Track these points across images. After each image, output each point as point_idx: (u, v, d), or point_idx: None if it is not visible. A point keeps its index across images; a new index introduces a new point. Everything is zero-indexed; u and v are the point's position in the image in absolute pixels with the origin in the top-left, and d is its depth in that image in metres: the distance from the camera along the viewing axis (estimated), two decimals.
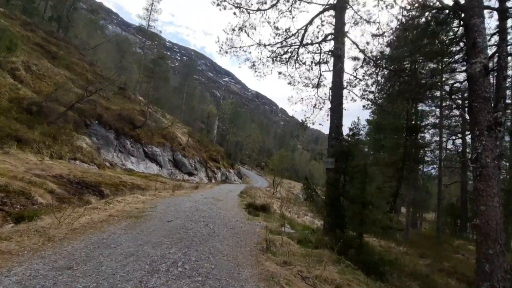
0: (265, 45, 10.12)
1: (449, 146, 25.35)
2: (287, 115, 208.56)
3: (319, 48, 9.30)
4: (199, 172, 33.37)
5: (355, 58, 9.44)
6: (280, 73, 11.16)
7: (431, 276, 6.61)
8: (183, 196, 10.26)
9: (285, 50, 10.46)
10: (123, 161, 23.30)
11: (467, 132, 24.49)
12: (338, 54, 7.74)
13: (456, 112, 25.27)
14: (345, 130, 8.17)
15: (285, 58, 10.71)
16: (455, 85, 9.32)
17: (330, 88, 7.55)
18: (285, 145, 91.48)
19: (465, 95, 13.53)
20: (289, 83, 11.13)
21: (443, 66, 7.71)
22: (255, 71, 10.36)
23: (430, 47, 6.77)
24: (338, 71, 7.57)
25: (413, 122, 14.57)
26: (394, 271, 5.88)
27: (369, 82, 9.52)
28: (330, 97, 7.33)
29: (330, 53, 8.90)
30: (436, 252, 11.28)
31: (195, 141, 40.14)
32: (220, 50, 9.50)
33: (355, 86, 9.98)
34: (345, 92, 8.35)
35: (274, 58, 10.74)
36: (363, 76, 9.57)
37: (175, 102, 54.41)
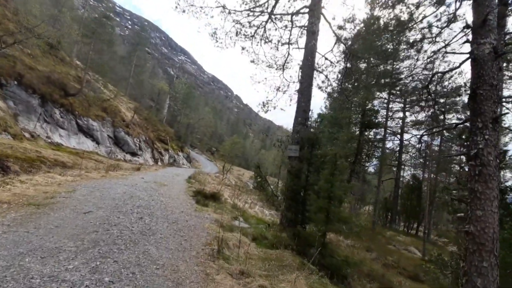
0: (230, 12, 8.78)
1: (389, 145, 27.38)
2: (242, 102, 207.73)
3: (290, 23, 8.32)
4: (144, 152, 30.59)
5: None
6: (243, 48, 9.96)
7: (386, 276, 6.37)
8: (119, 178, 8.56)
9: (251, 22, 9.28)
10: (49, 133, 19.77)
11: (404, 134, 26.72)
12: (312, 30, 6.86)
13: (401, 114, 27.21)
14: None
15: (251, 32, 9.54)
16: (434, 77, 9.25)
17: (300, 67, 6.68)
18: (237, 132, 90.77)
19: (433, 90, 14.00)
20: (252, 61, 10.03)
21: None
22: (216, 41, 9.00)
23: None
24: (311, 49, 6.71)
25: (368, 118, 14.79)
26: (354, 273, 5.38)
27: (335, 69, 8.96)
28: (300, 77, 6.47)
29: (302, 29, 8.00)
30: (379, 246, 11.57)
31: (142, 119, 36.67)
32: (176, 7, 7.90)
33: (321, 72, 9.33)
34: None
35: (239, 31, 9.50)
36: (332, 63, 8.95)
37: (122, 73, 48.93)
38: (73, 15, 31.99)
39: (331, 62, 8.30)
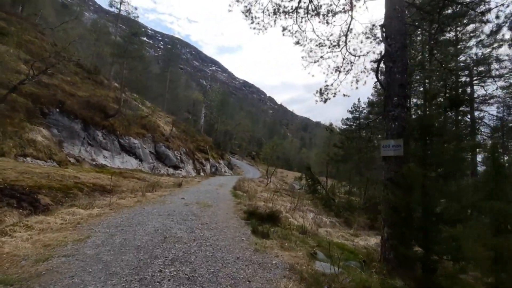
0: None
1: None
2: (276, 103, 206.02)
3: None
4: (186, 164, 30.18)
5: None
6: (284, 28, 8.04)
7: None
8: (155, 203, 7.18)
9: None
10: (93, 155, 19.83)
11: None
12: None
13: None
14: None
15: (292, 6, 7.62)
16: None
17: (382, 26, 4.56)
18: (275, 134, 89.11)
19: None
20: (298, 43, 8.05)
21: None
22: (252, 21, 7.23)
23: None
24: None
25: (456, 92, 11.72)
26: None
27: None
28: (385, 39, 4.35)
29: None
30: None
31: (180, 131, 36.69)
32: None
33: (417, 26, 6.97)
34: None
35: (277, 9, 7.65)
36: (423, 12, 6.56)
37: (158, 90, 50.25)
38: (107, 39, 33.11)
39: (422, 11, 5.91)
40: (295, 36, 8.05)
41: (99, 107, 23.06)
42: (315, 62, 7.16)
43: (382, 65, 5.07)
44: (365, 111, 30.36)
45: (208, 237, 4.48)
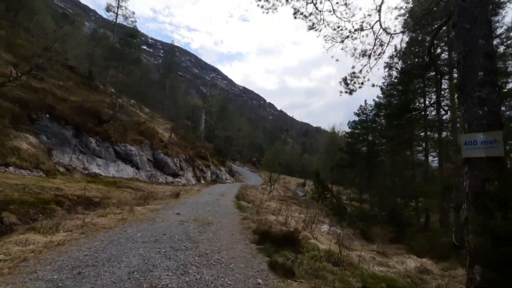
0: None
1: None
2: (275, 109, 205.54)
3: None
4: (186, 172, 28.79)
5: None
6: (297, 11, 6.80)
7: None
8: (144, 221, 5.81)
9: None
10: (86, 164, 18.50)
11: None
12: None
13: None
14: None
15: None
16: None
17: None
18: (275, 140, 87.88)
19: None
20: (312, 28, 6.80)
21: None
22: None
23: None
24: None
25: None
26: None
27: None
28: None
29: None
30: None
31: (180, 138, 35.42)
32: None
33: None
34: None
35: None
36: None
37: (157, 97, 49.24)
38: (105, 43, 32.14)
39: None
40: (309, 20, 6.79)
41: (93, 113, 21.85)
42: (341, 41, 5.85)
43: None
44: (371, 114, 29.15)
45: (209, 282, 3.09)
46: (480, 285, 2.50)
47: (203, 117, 46.61)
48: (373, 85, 5.84)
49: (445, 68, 17.33)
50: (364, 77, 5.65)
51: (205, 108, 49.06)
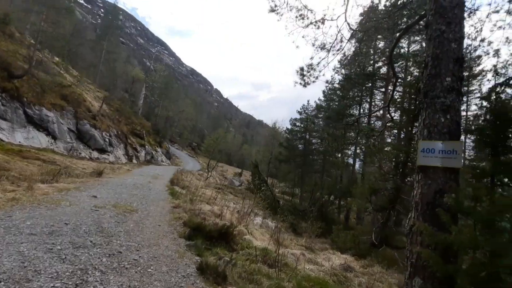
0: None
1: None
2: (222, 96, 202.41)
3: None
4: (116, 149, 26.05)
5: None
6: None
7: None
8: (42, 203, 4.65)
9: None
10: None
11: None
12: None
13: None
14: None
15: None
16: None
17: None
18: (218, 127, 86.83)
19: None
20: (274, 10, 6.38)
21: None
22: None
23: None
24: None
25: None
26: None
27: None
28: None
29: None
30: None
31: (113, 110, 31.85)
32: None
33: None
34: None
35: None
36: None
37: (91, 60, 43.23)
38: None
39: None
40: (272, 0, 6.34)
41: (1, 64, 17.84)
42: (305, 27, 5.53)
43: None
44: (311, 114, 30.65)
45: None
46: None
47: (143, 92, 42.78)
48: (327, 82, 5.73)
49: (383, 82, 19.00)
50: (320, 71, 5.51)
51: (146, 83, 45.05)
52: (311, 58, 5.54)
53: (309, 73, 5.60)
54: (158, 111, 46.38)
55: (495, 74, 11.98)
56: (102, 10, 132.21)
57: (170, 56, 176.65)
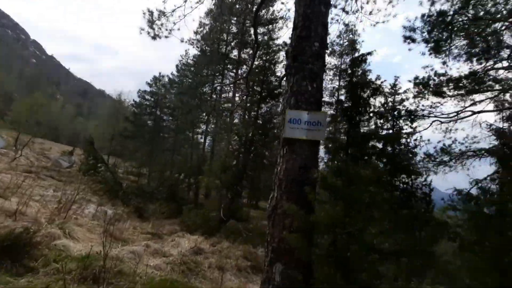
0: None
1: None
2: (44, 52, 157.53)
3: None
4: None
5: None
6: None
7: None
8: None
9: None
10: None
11: None
12: None
13: None
14: None
15: None
16: None
17: None
18: (37, 91, 66.90)
19: None
20: None
21: None
22: None
23: None
24: None
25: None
26: None
27: None
28: None
29: None
30: None
31: None
32: None
33: None
34: None
35: None
36: None
37: None
38: None
39: None
40: None
41: None
42: None
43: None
44: (163, 88, 28.53)
45: None
46: (279, 285, 2.19)
47: None
48: (182, 41, 4.80)
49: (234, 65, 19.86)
50: (174, 24, 4.46)
51: None
52: (164, 1, 4.35)
53: (160, 22, 4.43)
54: None
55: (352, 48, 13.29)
56: None
57: None
